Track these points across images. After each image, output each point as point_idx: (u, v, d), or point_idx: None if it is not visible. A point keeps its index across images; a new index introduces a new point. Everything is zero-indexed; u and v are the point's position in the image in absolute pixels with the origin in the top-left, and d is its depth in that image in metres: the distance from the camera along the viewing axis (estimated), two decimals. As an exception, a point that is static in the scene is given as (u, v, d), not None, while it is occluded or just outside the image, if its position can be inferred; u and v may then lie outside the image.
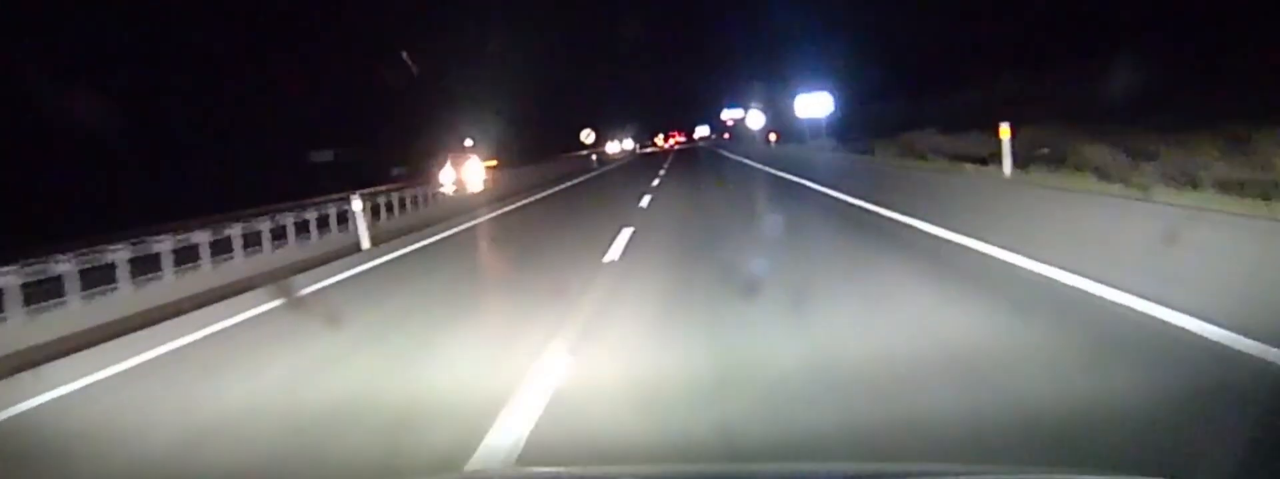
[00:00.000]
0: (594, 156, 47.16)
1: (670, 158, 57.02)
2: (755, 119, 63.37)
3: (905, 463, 2.93)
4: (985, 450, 3.25)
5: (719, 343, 5.49)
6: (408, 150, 42.89)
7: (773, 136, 53.46)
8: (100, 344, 7.89)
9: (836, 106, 43.73)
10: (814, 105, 43.52)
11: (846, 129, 40.64)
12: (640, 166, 43.31)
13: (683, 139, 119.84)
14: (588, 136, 44.56)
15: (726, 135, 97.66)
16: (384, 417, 4.58)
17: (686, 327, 6.07)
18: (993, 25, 35.72)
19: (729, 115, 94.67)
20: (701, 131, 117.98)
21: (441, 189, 26.73)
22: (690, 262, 9.40)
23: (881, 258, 8.30)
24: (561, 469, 2.96)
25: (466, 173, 31.10)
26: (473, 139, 40.85)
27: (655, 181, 26.87)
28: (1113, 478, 2.42)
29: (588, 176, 37.96)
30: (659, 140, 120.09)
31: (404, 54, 40.05)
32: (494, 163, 38.98)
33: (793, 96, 45.73)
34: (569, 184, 32.12)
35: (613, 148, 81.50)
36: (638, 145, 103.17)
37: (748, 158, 39.09)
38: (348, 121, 43.33)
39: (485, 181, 30.47)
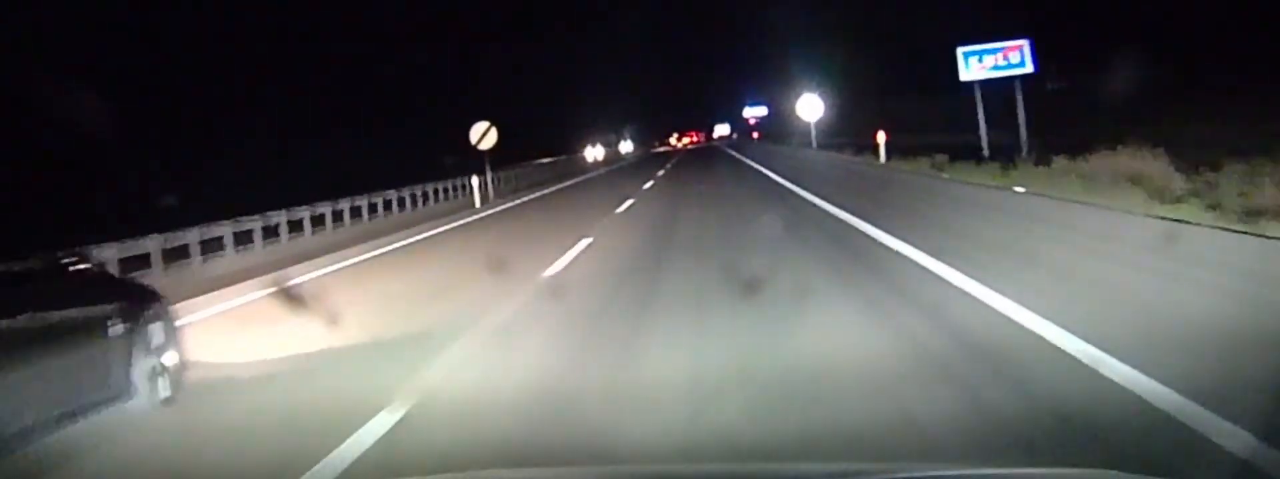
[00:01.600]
0: (476, 186, 22.86)
1: (662, 172, 33.53)
2: (810, 107, 37.38)
3: (905, 463, 2.85)
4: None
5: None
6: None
7: (881, 137, 25.06)
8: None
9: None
10: (992, 62, 21.52)
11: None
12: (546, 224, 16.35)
13: (698, 139, 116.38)
14: (483, 137, 22.46)
15: (755, 134, 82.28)
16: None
17: None
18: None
19: (751, 113, 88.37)
20: (721, 130, 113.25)
21: None
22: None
23: None
24: (562, 469, 3.02)
25: None
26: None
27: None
28: (1110, 474, 2.11)
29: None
30: (673, 140, 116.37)
31: None
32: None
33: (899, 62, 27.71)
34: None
35: (593, 153, 57.24)
36: (644, 146, 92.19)
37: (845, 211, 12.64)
38: None
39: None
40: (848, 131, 37.21)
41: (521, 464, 3.55)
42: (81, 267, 4.97)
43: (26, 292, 4.35)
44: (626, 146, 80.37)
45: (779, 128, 63.93)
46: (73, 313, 4.48)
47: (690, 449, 3.57)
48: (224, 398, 5.29)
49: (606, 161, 56.99)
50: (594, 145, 59.86)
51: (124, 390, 4.71)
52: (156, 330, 5.07)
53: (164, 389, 5.04)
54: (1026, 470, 2.34)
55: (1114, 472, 2.00)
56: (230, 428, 4.69)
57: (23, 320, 4.11)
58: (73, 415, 4.30)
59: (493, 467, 3.52)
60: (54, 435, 4.18)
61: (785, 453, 3.35)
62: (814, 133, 39.24)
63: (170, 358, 5.17)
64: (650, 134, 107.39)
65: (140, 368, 4.84)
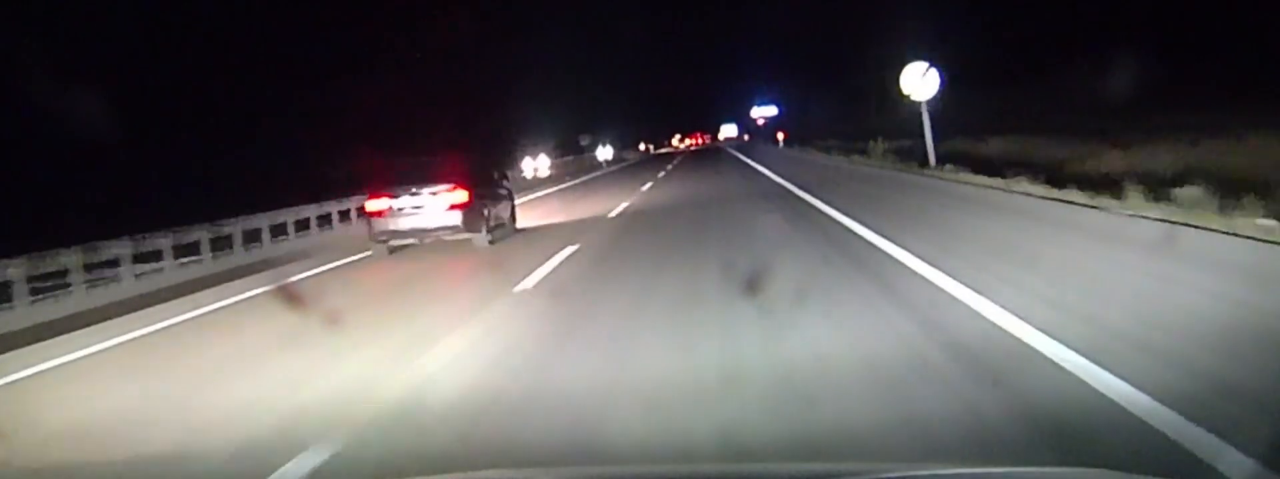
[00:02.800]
0: None
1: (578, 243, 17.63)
2: (919, 80, 18.81)
3: (905, 463, 2.88)
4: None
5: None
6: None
7: None
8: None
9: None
10: None
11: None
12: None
13: (702, 141, 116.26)
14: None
15: (780, 135, 63.50)
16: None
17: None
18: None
19: (759, 113, 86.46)
20: (728, 131, 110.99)
21: None
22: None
23: None
24: (561, 469, 3.03)
25: None
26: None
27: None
28: (1107, 474, 2.18)
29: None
30: (675, 141, 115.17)
31: None
32: None
33: None
34: None
35: (534, 166, 46.52)
36: (639, 151, 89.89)
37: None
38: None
39: None
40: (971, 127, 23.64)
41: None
42: (502, 177, 14.15)
43: (498, 181, 13.57)
44: (605, 153, 65.06)
45: (803, 128, 57.33)
46: (503, 192, 13.68)
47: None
48: (531, 231, 14.25)
49: (556, 178, 41.68)
50: (536, 156, 49.05)
51: (507, 223, 13.70)
52: (514, 203, 14.12)
53: (514, 226, 14.01)
54: (1024, 470, 2.28)
55: (1111, 471, 2.05)
56: (544, 233, 13.73)
57: (496, 191, 13.23)
58: (503, 226, 13.25)
59: (499, 450, 3.65)
60: (500, 231, 13.09)
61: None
62: (930, 131, 19.28)
63: (515, 215, 14.17)
64: (651, 136, 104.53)
65: (510, 216, 13.86)
